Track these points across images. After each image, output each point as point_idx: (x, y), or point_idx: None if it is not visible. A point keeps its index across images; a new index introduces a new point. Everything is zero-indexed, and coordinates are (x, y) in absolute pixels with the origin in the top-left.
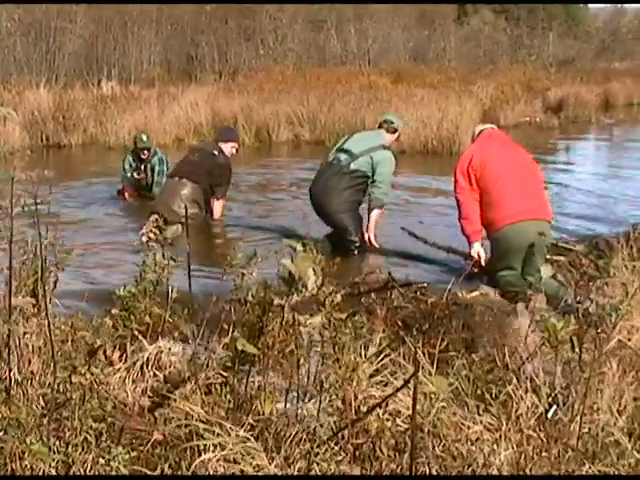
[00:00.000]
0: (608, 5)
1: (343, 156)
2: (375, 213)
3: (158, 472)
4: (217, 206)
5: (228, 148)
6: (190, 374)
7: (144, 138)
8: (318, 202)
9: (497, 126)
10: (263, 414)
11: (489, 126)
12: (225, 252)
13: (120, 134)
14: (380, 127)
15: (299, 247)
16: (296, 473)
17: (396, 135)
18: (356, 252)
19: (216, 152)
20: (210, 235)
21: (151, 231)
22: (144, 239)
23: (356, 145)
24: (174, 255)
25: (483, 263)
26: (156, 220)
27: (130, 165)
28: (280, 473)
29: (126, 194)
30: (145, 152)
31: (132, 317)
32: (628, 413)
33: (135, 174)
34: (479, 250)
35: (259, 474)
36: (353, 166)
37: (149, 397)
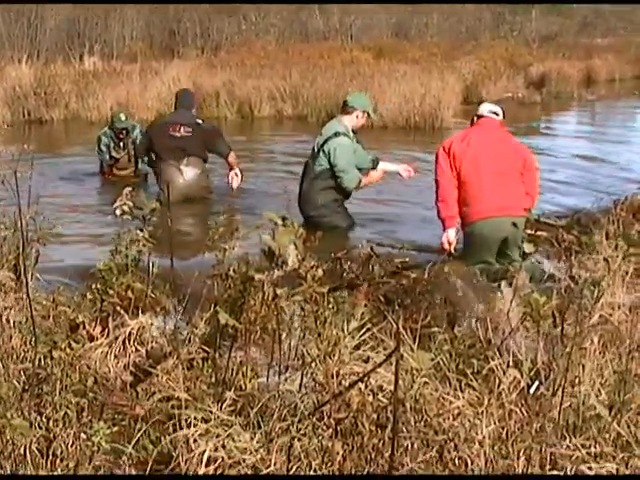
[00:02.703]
0: None
1: (311, 159)
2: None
3: (140, 447)
4: (233, 162)
5: (195, 112)
6: (172, 349)
7: (122, 118)
8: (300, 208)
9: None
10: (245, 389)
11: (489, 114)
12: (207, 227)
13: (102, 109)
14: (343, 112)
15: (279, 221)
16: (277, 448)
17: (355, 114)
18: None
19: (199, 121)
20: (191, 210)
21: (125, 204)
22: (118, 212)
23: (317, 142)
24: (155, 230)
25: (453, 250)
26: (129, 193)
27: (107, 146)
28: (261, 448)
29: (108, 174)
30: (124, 132)
31: (110, 291)
32: (609, 387)
33: (114, 153)
34: (451, 236)
35: (239, 449)
36: (317, 168)
37: (131, 372)
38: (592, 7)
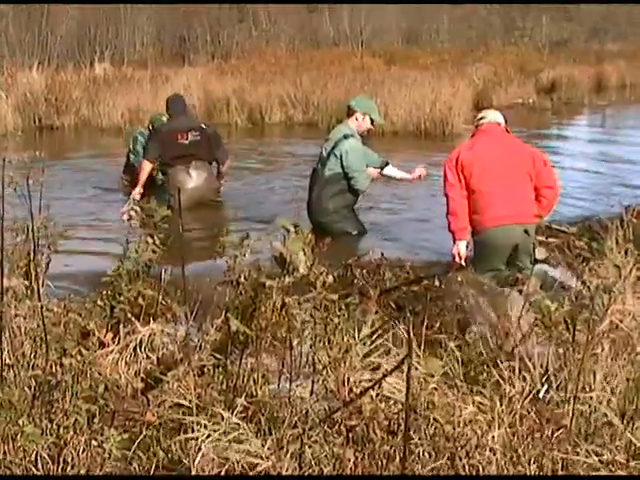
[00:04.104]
0: None
1: (320, 164)
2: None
3: (150, 454)
4: (226, 171)
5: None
6: (183, 356)
7: (164, 120)
8: (310, 215)
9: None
10: (256, 396)
11: (490, 119)
12: (218, 234)
13: (113, 116)
14: (347, 116)
15: (291, 228)
16: (288, 455)
17: (355, 116)
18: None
19: (203, 125)
20: (202, 216)
21: (132, 209)
22: (125, 217)
23: (325, 147)
24: (166, 236)
25: (463, 263)
26: (136, 199)
27: (144, 146)
28: (272, 455)
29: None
30: None
31: (120, 298)
32: (620, 394)
33: None
34: (461, 249)
35: (250, 455)
36: (327, 172)
37: (142, 379)
38: (603, 12)
